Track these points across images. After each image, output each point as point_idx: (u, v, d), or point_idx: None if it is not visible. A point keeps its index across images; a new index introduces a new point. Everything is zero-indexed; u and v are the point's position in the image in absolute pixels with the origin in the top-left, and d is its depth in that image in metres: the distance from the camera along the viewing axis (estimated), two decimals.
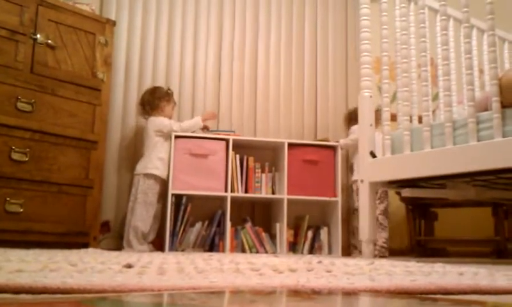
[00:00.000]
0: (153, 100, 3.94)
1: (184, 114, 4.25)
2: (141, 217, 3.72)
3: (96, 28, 3.64)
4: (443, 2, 2.88)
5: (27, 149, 3.20)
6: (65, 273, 1.20)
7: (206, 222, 3.93)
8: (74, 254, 2.19)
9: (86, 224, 3.43)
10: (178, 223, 3.84)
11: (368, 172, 3.07)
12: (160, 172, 3.83)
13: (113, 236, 3.92)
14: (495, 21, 2.61)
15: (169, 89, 4.07)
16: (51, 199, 3.29)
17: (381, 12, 3.16)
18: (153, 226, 3.81)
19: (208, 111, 4.22)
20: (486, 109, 2.63)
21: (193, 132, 3.97)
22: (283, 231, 3.94)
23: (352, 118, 4.33)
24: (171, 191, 3.79)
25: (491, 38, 2.61)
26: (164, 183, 3.88)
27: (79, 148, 3.45)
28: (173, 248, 3.77)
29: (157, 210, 3.84)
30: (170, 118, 4.00)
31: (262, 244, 3.99)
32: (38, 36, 3.30)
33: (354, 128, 4.20)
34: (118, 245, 3.84)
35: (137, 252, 3.42)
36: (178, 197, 3.86)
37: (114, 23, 3.81)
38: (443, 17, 2.90)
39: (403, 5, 3.16)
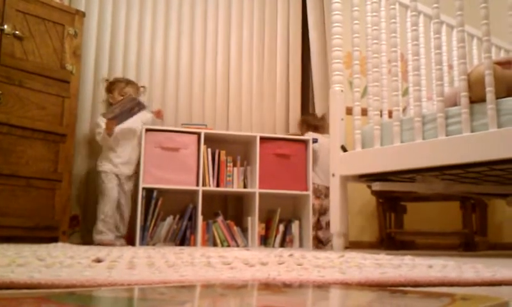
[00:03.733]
0: (108, 98, 3.92)
1: (154, 108, 4.21)
2: (111, 211, 3.68)
3: (65, 19, 3.57)
4: None
5: None
6: (33, 268, 1.18)
7: (177, 216, 3.91)
8: (43, 249, 2.16)
9: (55, 218, 3.38)
10: (149, 217, 3.81)
11: (339, 166, 3.10)
12: (120, 169, 3.78)
13: (82, 230, 3.88)
14: (464, 17, 2.65)
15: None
16: (19, 192, 3.23)
17: (352, 7, 3.18)
18: (123, 220, 3.78)
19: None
20: (454, 104, 2.67)
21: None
22: (254, 225, 3.95)
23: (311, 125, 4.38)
24: (141, 185, 3.76)
25: (460, 34, 2.64)
26: (131, 178, 3.85)
27: (48, 141, 3.39)
28: (143, 242, 3.74)
29: (127, 203, 3.81)
30: None
31: (233, 238, 3.99)
32: (5, 26, 3.23)
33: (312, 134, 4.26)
34: (87, 239, 3.80)
35: (107, 242, 3.42)
36: (149, 191, 3.83)
37: (83, 14, 3.75)
38: (414, 13, 2.93)
39: (374, 0, 3.18)
